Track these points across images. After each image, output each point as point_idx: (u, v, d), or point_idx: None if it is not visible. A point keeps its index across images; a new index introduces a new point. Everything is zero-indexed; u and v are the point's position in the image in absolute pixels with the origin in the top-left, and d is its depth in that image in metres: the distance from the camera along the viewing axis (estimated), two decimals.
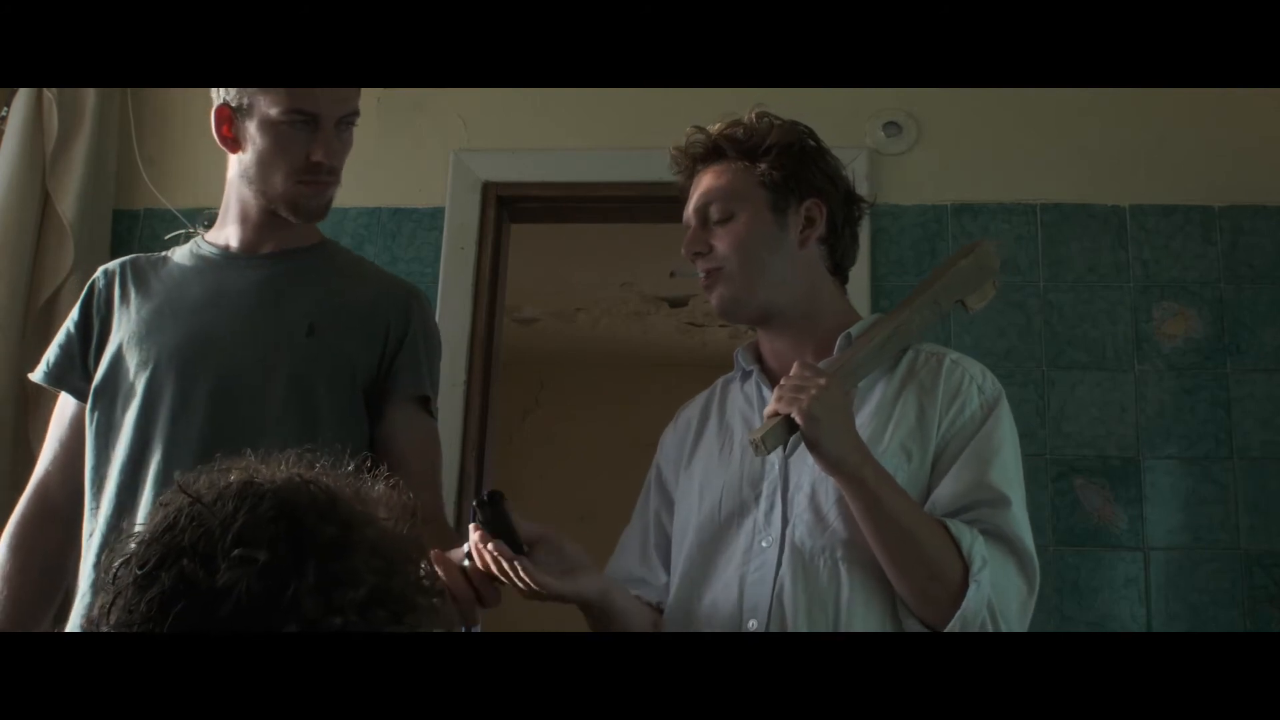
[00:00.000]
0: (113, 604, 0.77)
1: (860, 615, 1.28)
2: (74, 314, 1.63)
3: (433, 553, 1.24)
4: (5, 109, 2.53)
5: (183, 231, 2.38)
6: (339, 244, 1.74)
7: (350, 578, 0.77)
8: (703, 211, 1.46)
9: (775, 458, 1.36)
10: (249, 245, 1.61)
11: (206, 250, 1.63)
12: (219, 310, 1.56)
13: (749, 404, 1.47)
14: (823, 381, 1.27)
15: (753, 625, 1.32)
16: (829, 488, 1.32)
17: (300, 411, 1.51)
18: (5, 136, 2.50)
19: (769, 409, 1.30)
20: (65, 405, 1.63)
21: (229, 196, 1.63)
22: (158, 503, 0.81)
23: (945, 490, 1.32)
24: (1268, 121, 2.37)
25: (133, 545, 0.78)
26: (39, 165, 2.49)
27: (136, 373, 1.53)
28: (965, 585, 1.24)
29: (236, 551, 0.74)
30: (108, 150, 2.59)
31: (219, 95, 1.56)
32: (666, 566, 1.49)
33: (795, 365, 1.32)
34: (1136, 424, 2.26)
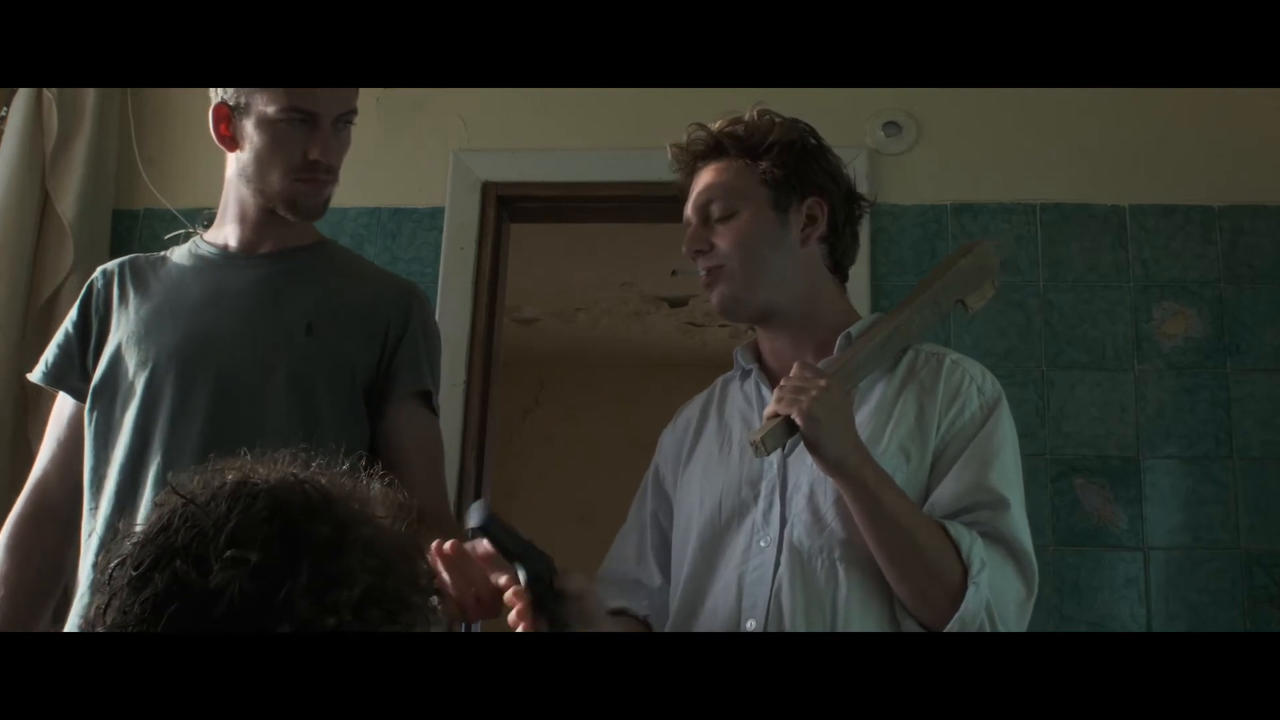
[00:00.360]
0: (108, 605, 0.77)
1: (858, 616, 1.28)
2: (72, 314, 1.63)
3: (446, 546, 1.22)
4: (5, 109, 2.53)
5: (182, 231, 2.38)
6: (337, 243, 1.73)
7: (344, 577, 0.77)
8: (704, 209, 1.45)
9: (774, 458, 1.36)
10: (247, 245, 1.61)
11: (205, 250, 1.63)
12: (218, 310, 1.56)
13: (748, 403, 1.47)
14: (823, 382, 1.27)
15: (751, 625, 1.32)
16: (827, 488, 1.32)
17: (300, 411, 1.50)
18: (5, 136, 2.50)
19: (769, 410, 1.30)
20: (63, 405, 1.63)
21: (227, 196, 1.62)
22: (153, 503, 0.81)
23: (945, 492, 1.32)
24: (1268, 121, 2.37)
25: (128, 546, 0.78)
26: (39, 165, 2.49)
27: (135, 373, 1.53)
28: (964, 587, 1.24)
29: (229, 552, 0.74)
30: (108, 150, 2.59)
31: (216, 94, 1.56)
32: (662, 568, 1.49)
33: (795, 366, 1.31)
34: (1136, 424, 2.26)
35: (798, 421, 1.25)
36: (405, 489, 0.92)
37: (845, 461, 1.26)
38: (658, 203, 2.33)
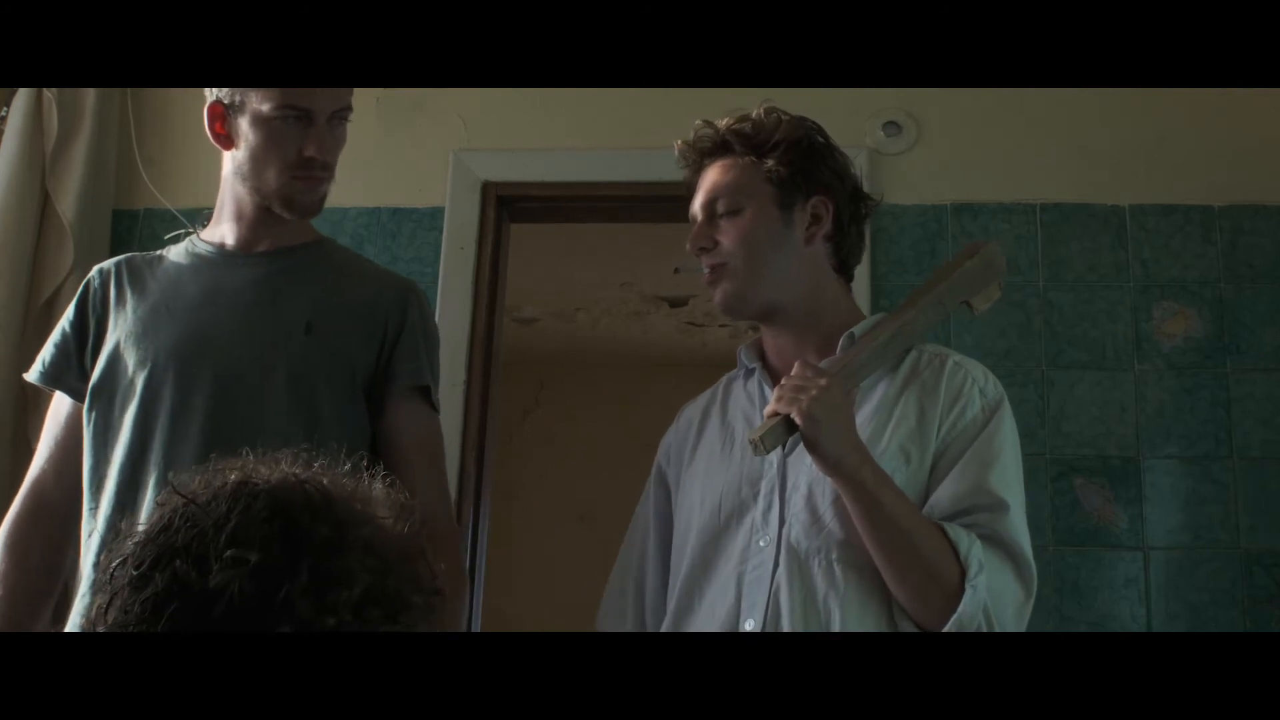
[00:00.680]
0: (109, 604, 0.77)
1: (855, 616, 1.28)
2: (69, 313, 1.63)
3: None
4: (5, 109, 2.53)
5: (182, 231, 2.37)
6: (335, 241, 1.73)
7: (344, 577, 0.77)
8: (709, 207, 1.45)
9: (774, 458, 1.36)
10: (245, 243, 1.60)
11: (202, 248, 1.63)
12: (216, 309, 1.55)
13: (751, 402, 1.47)
14: (823, 382, 1.27)
15: (750, 625, 1.32)
16: (826, 488, 1.32)
17: (300, 411, 1.50)
18: (5, 136, 2.50)
19: (769, 409, 1.30)
20: (60, 403, 1.62)
21: (223, 194, 1.62)
22: (155, 502, 0.81)
23: (944, 493, 1.32)
24: (1268, 121, 2.37)
25: (129, 545, 0.79)
26: (39, 165, 2.48)
27: (134, 372, 1.53)
28: (961, 590, 1.24)
29: (229, 552, 0.74)
30: (108, 150, 2.59)
31: (211, 93, 1.56)
32: (665, 567, 1.49)
33: (796, 365, 1.31)
34: (1136, 424, 2.26)
35: (797, 421, 1.25)
36: (406, 486, 0.92)
37: (844, 461, 1.26)
38: (658, 203, 2.34)
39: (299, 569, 0.75)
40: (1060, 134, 2.43)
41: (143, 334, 1.55)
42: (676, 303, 4.58)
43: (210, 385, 1.50)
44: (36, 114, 2.49)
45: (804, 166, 1.44)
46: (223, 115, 1.55)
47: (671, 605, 1.43)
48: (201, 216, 2.29)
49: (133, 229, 2.61)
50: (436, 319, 1.75)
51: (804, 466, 1.34)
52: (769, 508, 1.36)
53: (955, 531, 1.26)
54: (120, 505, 1.47)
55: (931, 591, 1.25)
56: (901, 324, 1.40)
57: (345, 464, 0.87)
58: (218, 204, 1.64)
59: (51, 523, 1.58)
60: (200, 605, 0.74)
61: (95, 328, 1.60)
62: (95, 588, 1.41)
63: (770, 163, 1.43)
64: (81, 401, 1.57)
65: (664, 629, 1.44)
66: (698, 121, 1.49)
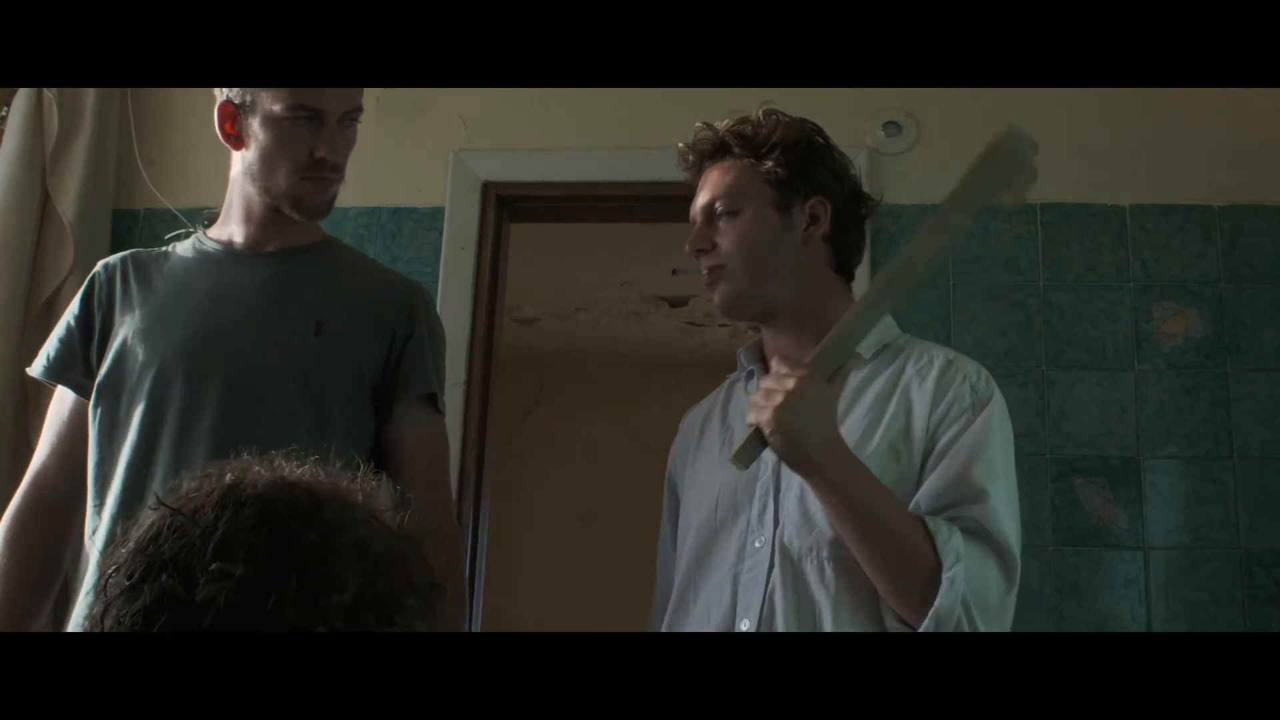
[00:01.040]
0: (105, 612, 0.76)
1: (847, 615, 1.28)
2: (74, 308, 1.62)
3: None
4: (5, 109, 2.53)
5: (182, 231, 2.37)
6: (342, 242, 1.73)
7: (334, 583, 0.76)
8: (708, 208, 1.45)
9: (769, 458, 1.36)
10: (253, 243, 1.60)
11: (210, 246, 1.62)
12: (225, 308, 1.55)
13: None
14: (791, 383, 1.24)
15: (745, 625, 1.32)
16: None
17: (310, 411, 1.50)
18: (5, 136, 2.50)
19: (749, 419, 1.29)
20: (63, 398, 1.61)
21: (232, 194, 1.62)
22: (148, 509, 0.81)
23: (929, 487, 1.31)
24: (1268, 121, 2.37)
25: (124, 553, 0.78)
26: (39, 165, 2.49)
27: (142, 370, 1.52)
28: (938, 583, 1.23)
29: (215, 565, 0.73)
30: (108, 150, 2.59)
31: (222, 92, 1.55)
32: None
33: (773, 363, 1.31)
34: (1136, 424, 2.26)
35: (765, 431, 1.25)
36: (410, 491, 0.91)
37: (810, 461, 1.25)
38: (658, 203, 2.34)
39: (287, 577, 0.74)
40: (1060, 134, 2.42)
41: (151, 331, 1.54)
42: (676, 303, 4.59)
43: (220, 385, 1.49)
44: (36, 114, 2.50)
45: (802, 168, 1.44)
46: (233, 115, 1.55)
47: (670, 605, 1.44)
48: (202, 216, 2.30)
49: (133, 229, 2.61)
50: None
51: None
52: (764, 508, 1.37)
53: (935, 524, 1.25)
54: (126, 505, 1.46)
55: (909, 585, 1.24)
56: (901, 261, 1.33)
57: (337, 464, 0.86)
58: (225, 203, 1.63)
59: (53, 517, 1.58)
60: (189, 617, 0.73)
61: (101, 323, 1.59)
62: (95, 591, 1.41)
63: (768, 164, 1.43)
64: (86, 397, 1.56)
65: (663, 629, 1.45)
66: (697, 123, 1.49)
